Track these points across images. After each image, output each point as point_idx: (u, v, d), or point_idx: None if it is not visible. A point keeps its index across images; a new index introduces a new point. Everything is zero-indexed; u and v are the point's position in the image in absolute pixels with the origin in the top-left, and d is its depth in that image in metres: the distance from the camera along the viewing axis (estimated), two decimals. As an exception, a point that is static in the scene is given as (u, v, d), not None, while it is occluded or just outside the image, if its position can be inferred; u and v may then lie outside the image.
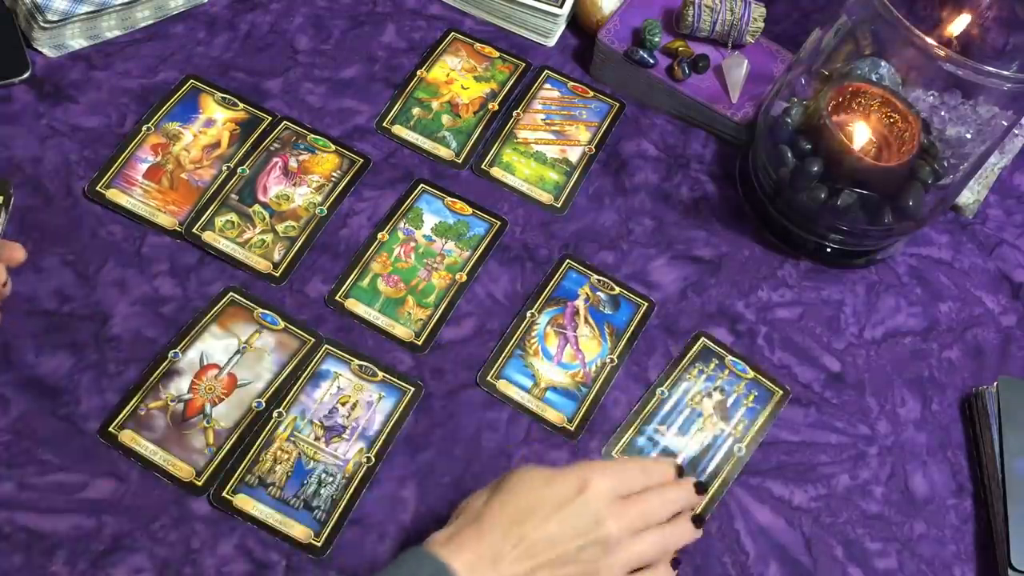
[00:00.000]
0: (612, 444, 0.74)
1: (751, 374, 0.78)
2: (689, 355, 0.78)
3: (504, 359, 0.76)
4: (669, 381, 0.77)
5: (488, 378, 0.75)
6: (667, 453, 0.74)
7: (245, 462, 0.69)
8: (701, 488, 0.68)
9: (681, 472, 0.69)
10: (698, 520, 0.67)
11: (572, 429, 0.74)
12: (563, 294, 0.80)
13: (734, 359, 0.78)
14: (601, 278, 0.81)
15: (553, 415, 0.74)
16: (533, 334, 0.77)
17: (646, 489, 0.65)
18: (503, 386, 0.75)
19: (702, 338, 0.79)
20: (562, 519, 0.61)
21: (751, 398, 0.77)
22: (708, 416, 0.76)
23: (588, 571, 0.61)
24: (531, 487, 0.62)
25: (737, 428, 0.76)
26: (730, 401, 0.77)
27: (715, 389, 0.77)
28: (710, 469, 0.74)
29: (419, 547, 0.60)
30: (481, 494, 0.64)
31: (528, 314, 0.78)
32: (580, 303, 0.79)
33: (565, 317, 0.79)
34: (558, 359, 0.77)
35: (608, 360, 0.77)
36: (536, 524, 0.61)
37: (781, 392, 0.78)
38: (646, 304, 0.80)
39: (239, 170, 0.82)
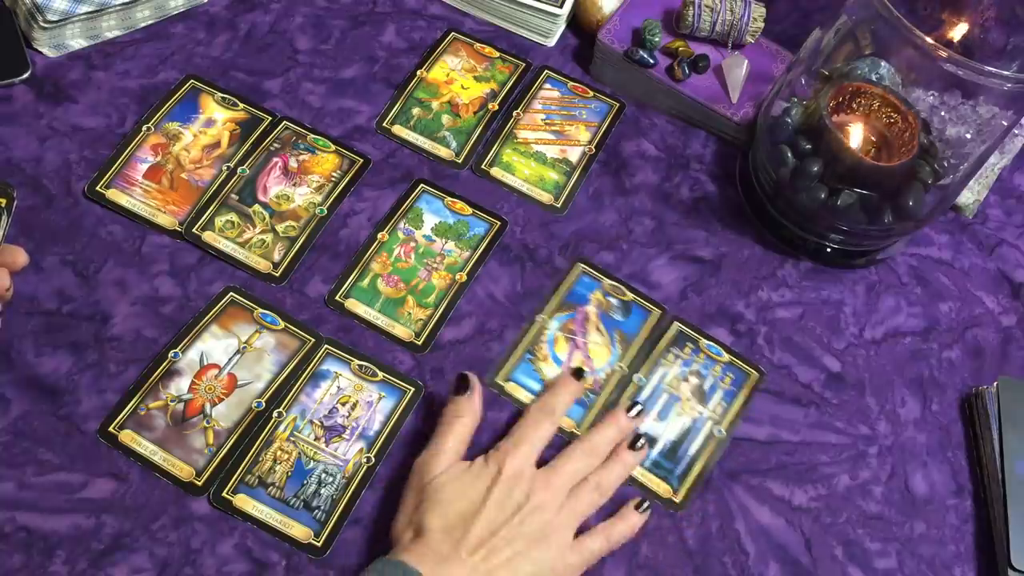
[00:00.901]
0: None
1: (726, 357, 0.78)
2: (664, 341, 0.78)
3: (514, 362, 0.76)
4: (645, 367, 0.77)
5: (497, 379, 0.75)
6: (647, 438, 0.74)
7: (245, 462, 0.69)
8: (635, 411, 0.72)
9: (579, 375, 0.73)
10: (634, 443, 0.71)
11: (579, 434, 0.74)
12: (575, 299, 0.79)
13: (708, 342, 0.79)
14: (614, 283, 0.80)
15: (562, 420, 0.74)
16: (543, 338, 0.77)
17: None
18: (511, 388, 0.75)
19: (675, 323, 0.79)
20: (494, 506, 0.64)
21: (728, 380, 0.77)
22: (686, 400, 0.76)
23: (540, 535, 0.65)
24: (455, 489, 0.65)
25: (715, 411, 0.76)
26: (707, 384, 0.77)
27: (691, 373, 0.77)
28: (691, 452, 0.74)
29: (392, 559, 0.62)
30: (408, 509, 0.66)
31: (539, 318, 0.78)
32: (591, 309, 0.79)
33: (576, 323, 0.78)
34: (567, 365, 0.77)
35: (617, 368, 0.77)
36: (473, 521, 0.63)
37: (757, 374, 0.78)
38: (659, 311, 0.80)
39: (239, 170, 0.82)
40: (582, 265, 0.81)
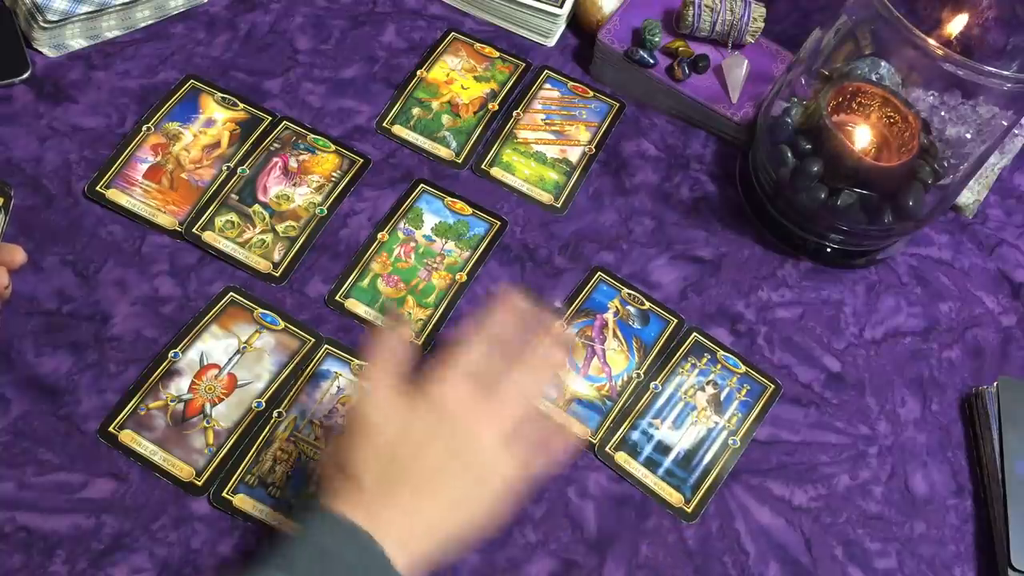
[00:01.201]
0: (606, 439, 0.74)
1: (743, 368, 0.78)
2: (681, 350, 0.78)
3: None
4: (662, 375, 0.77)
5: None
6: (662, 446, 0.74)
7: (245, 462, 0.69)
8: (563, 321, 0.70)
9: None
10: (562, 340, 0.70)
11: (595, 442, 0.74)
12: (593, 306, 0.79)
13: (726, 354, 0.78)
14: (632, 292, 0.80)
15: (577, 427, 0.74)
16: None
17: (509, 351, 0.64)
18: None
19: (694, 333, 0.79)
20: (427, 442, 0.60)
21: (744, 392, 0.77)
22: (702, 409, 0.76)
23: (476, 468, 0.61)
24: (387, 428, 0.60)
25: (731, 421, 0.76)
26: (723, 395, 0.77)
27: (708, 383, 0.77)
28: (706, 461, 0.74)
29: (326, 512, 0.58)
30: (340, 449, 0.61)
31: (556, 324, 0.78)
32: (609, 316, 0.79)
33: (594, 330, 0.78)
34: (585, 371, 0.76)
35: (635, 375, 0.77)
36: (405, 460, 0.59)
37: (773, 386, 0.78)
38: (676, 320, 0.80)
39: (239, 170, 0.82)
40: (601, 273, 0.81)
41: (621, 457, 0.73)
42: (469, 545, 0.61)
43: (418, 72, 0.90)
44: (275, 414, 0.71)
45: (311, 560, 0.56)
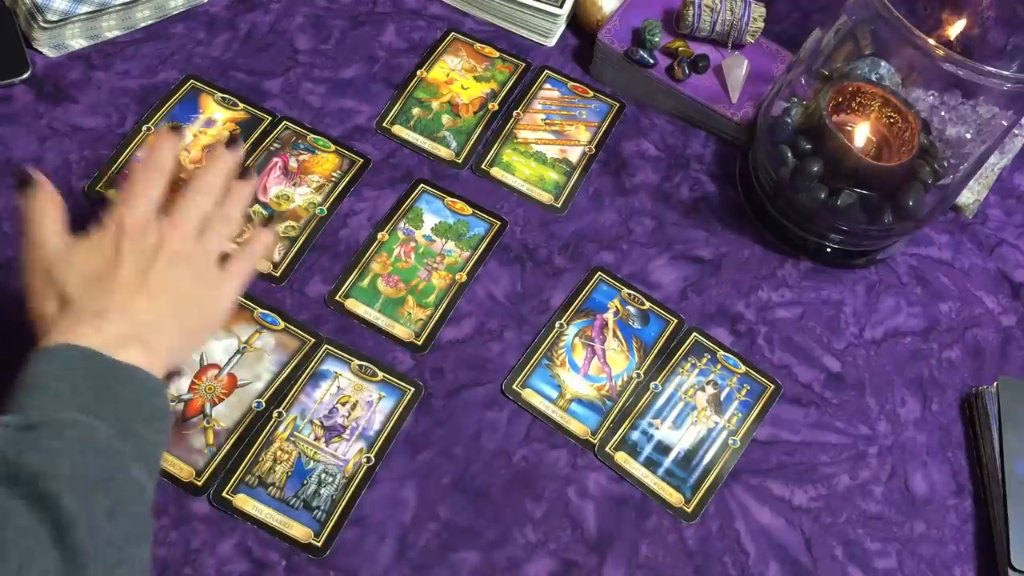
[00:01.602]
0: (606, 439, 0.74)
1: (743, 368, 0.78)
2: (681, 350, 0.78)
3: (531, 368, 0.76)
4: (662, 376, 0.77)
5: (514, 386, 0.75)
6: (662, 446, 0.74)
7: (245, 462, 0.69)
8: (232, 143, 0.70)
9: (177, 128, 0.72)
10: (242, 174, 0.69)
11: (595, 442, 0.74)
12: (593, 306, 0.79)
13: (726, 354, 0.79)
14: (632, 292, 0.80)
15: (577, 427, 0.74)
16: (561, 345, 0.77)
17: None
18: (528, 395, 0.75)
19: (694, 333, 0.79)
20: (131, 256, 0.61)
21: (744, 392, 0.77)
22: (702, 409, 0.76)
23: (190, 274, 0.63)
24: (83, 250, 0.62)
25: (731, 421, 0.76)
26: (723, 395, 0.77)
27: (708, 383, 0.77)
28: (706, 461, 0.74)
29: (41, 349, 0.57)
30: (39, 287, 0.61)
31: (557, 324, 0.78)
32: (609, 316, 0.79)
33: (594, 330, 0.78)
34: (584, 371, 0.76)
35: (635, 375, 0.77)
36: (116, 273, 0.60)
37: (773, 386, 0.78)
38: (676, 320, 0.80)
39: (239, 170, 0.82)
40: (601, 273, 0.81)
41: (621, 457, 0.73)
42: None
43: (418, 72, 0.90)
44: (275, 414, 0.71)
45: (42, 396, 0.55)
